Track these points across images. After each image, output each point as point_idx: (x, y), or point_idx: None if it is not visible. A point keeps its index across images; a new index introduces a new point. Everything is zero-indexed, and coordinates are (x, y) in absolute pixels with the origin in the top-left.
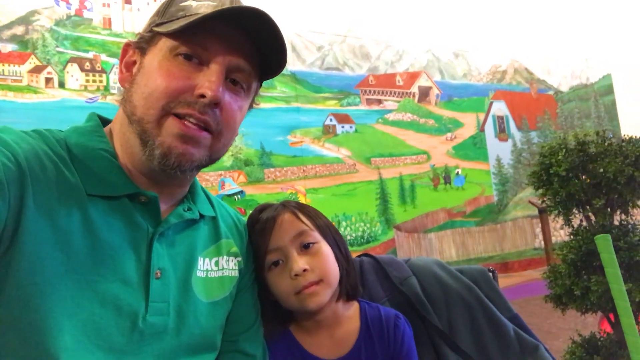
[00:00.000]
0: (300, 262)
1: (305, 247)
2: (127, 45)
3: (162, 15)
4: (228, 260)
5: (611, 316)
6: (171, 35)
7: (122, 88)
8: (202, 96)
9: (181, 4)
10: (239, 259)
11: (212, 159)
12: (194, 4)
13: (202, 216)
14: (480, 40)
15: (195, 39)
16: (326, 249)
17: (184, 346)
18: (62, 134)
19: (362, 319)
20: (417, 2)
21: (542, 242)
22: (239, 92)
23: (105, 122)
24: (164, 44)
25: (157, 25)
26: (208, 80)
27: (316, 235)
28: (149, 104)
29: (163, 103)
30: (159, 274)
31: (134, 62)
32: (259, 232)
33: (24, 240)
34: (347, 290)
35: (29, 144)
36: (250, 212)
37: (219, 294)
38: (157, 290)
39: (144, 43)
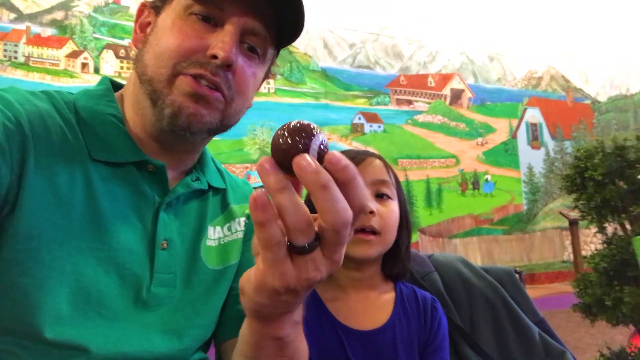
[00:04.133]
0: (371, 203)
1: (380, 197)
2: (143, 6)
3: None
4: (240, 222)
5: None
6: None
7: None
8: (215, 57)
9: None
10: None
11: (223, 124)
12: None
13: (211, 187)
14: (516, 45)
15: None
16: (395, 209)
17: (190, 315)
18: (72, 97)
19: (398, 294)
20: (453, 3)
21: (571, 255)
22: (253, 58)
23: (117, 87)
24: (178, 2)
25: None
26: (221, 41)
27: (393, 192)
28: (160, 62)
29: (174, 62)
30: (165, 245)
31: (149, 23)
32: None
33: (24, 204)
34: (395, 267)
35: (34, 105)
36: None
37: (236, 258)
38: (163, 261)
39: (159, 2)
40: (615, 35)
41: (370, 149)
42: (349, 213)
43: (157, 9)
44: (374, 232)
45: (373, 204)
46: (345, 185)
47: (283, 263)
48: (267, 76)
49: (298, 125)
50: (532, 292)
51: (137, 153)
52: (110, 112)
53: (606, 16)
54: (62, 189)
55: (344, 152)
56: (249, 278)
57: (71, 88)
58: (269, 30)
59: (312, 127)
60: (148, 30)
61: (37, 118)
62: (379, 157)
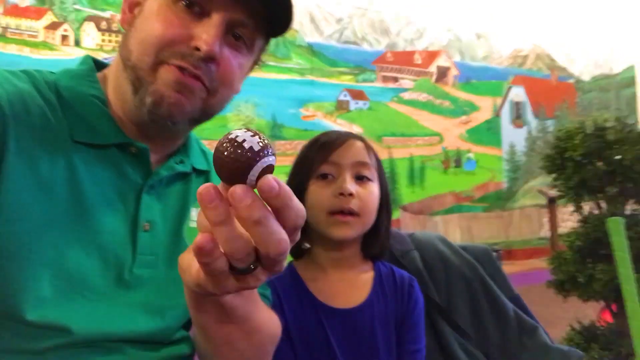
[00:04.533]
0: (351, 185)
1: (359, 179)
2: None
3: None
4: None
5: (614, 306)
6: None
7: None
8: (197, 49)
9: None
10: None
11: (206, 113)
12: None
13: (194, 169)
14: (503, 23)
15: None
16: (375, 191)
17: (173, 295)
18: (53, 77)
19: (376, 273)
20: None
21: (548, 232)
22: (240, 48)
23: (98, 65)
24: None
25: None
26: (206, 33)
27: (374, 174)
28: (143, 50)
29: (157, 50)
30: (147, 227)
31: (138, 3)
32: (322, 144)
33: (5, 186)
34: (374, 247)
35: (14, 85)
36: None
37: None
38: (145, 243)
39: None
40: (600, 15)
41: (355, 127)
42: (284, 242)
43: None
44: (352, 213)
45: (352, 187)
46: (279, 210)
47: (226, 281)
48: (255, 64)
49: (246, 141)
50: (510, 267)
51: (120, 135)
52: (93, 93)
53: None
54: (43, 171)
55: (325, 134)
56: (189, 269)
57: (51, 61)
58: (257, 20)
59: (260, 146)
60: (136, 11)
61: (17, 99)
62: (360, 139)
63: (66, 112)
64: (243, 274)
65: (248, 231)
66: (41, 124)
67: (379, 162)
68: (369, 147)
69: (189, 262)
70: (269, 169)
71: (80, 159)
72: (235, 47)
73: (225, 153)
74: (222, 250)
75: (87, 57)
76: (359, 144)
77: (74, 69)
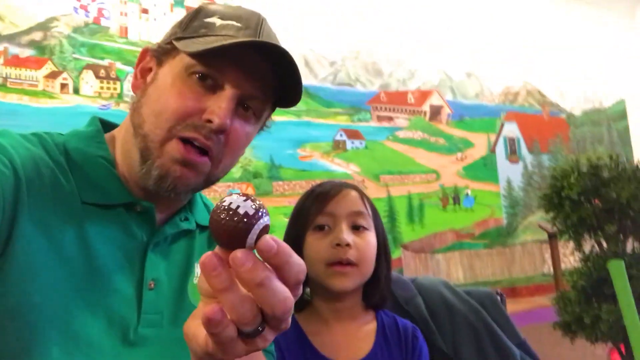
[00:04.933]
0: (347, 236)
1: (356, 228)
2: (145, 51)
3: (185, 29)
4: None
5: (622, 347)
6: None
7: (134, 95)
8: (210, 121)
9: (205, 20)
10: None
11: (209, 182)
12: (218, 22)
13: (198, 225)
14: (493, 61)
15: (213, 60)
16: (372, 240)
17: (177, 354)
18: (62, 138)
19: (379, 323)
20: (431, 22)
21: (551, 268)
22: (249, 118)
23: (106, 125)
24: (181, 60)
25: (178, 39)
26: (218, 107)
27: (370, 223)
28: (157, 123)
29: (170, 125)
30: (152, 285)
31: (150, 69)
32: (317, 195)
33: (16, 248)
34: (375, 296)
35: (27, 149)
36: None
37: None
38: (150, 302)
39: (162, 54)
40: (588, 51)
41: (353, 166)
42: (288, 300)
43: (159, 59)
44: (350, 263)
45: (349, 237)
46: (280, 268)
47: (235, 347)
48: (261, 129)
49: (240, 207)
50: (514, 306)
51: (126, 195)
52: (101, 155)
53: (578, 33)
54: (54, 232)
55: (320, 185)
56: (196, 338)
57: (50, 109)
58: (267, 93)
59: (254, 209)
60: (148, 78)
61: (30, 162)
62: (355, 188)
63: (75, 174)
64: (251, 337)
65: (252, 293)
66: (52, 186)
67: (374, 210)
68: (363, 196)
69: (194, 330)
70: (265, 229)
71: (90, 220)
72: (245, 117)
73: (222, 222)
74: (229, 317)
75: (95, 118)
76: (353, 193)
77: (82, 131)
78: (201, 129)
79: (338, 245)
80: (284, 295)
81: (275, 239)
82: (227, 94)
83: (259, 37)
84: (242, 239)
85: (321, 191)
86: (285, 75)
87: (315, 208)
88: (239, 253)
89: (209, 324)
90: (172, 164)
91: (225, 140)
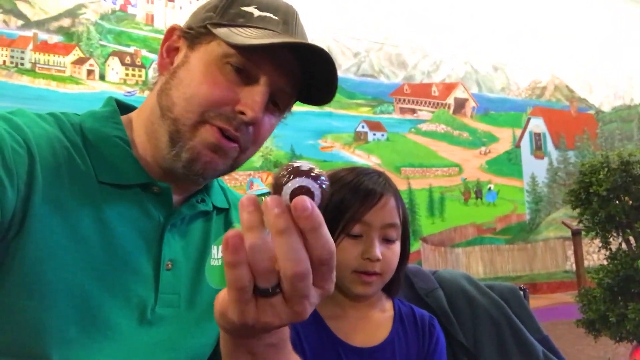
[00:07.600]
0: (378, 251)
1: (386, 240)
2: (172, 30)
3: (221, 15)
4: None
5: None
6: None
7: (159, 75)
8: (242, 113)
9: (242, 9)
10: None
11: (233, 168)
12: (257, 12)
13: (215, 207)
14: (520, 55)
15: (254, 55)
16: (398, 250)
17: (195, 334)
18: (78, 118)
19: (396, 311)
20: (458, 13)
21: (574, 265)
22: (274, 111)
23: (122, 106)
24: (218, 47)
25: (214, 25)
26: (253, 100)
27: (399, 234)
28: (189, 107)
29: (203, 110)
30: (169, 265)
31: (177, 49)
32: (364, 195)
33: (32, 228)
34: (392, 287)
35: (43, 128)
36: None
37: None
38: (168, 282)
39: (195, 37)
40: (618, 46)
41: (374, 157)
42: (303, 265)
43: (191, 42)
44: (375, 273)
45: (379, 251)
46: (307, 233)
47: (246, 304)
48: (283, 118)
49: (297, 164)
50: (535, 302)
51: (143, 175)
52: (117, 135)
53: (609, 27)
54: (70, 211)
55: (364, 174)
56: (218, 299)
57: (76, 94)
58: (295, 88)
59: (306, 169)
60: (177, 60)
61: (45, 141)
62: (394, 193)
63: (91, 154)
64: (264, 295)
65: (274, 241)
66: (67, 166)
67: (405, 216)
68: (399, 202)
69: (220, 295)
70: (310, 193)
71: (106, 200)
72: (272, 110)
73: (284, 167)
74: (248, 258)
75: (110, 98)
76: (392, 202)
77: (98, 111)
78: (232, 120)
79: (368, 258)
80: (299, 256)
81: (313, 204)
82: (262, 89)
83: (294, 33)
84: (280, 187)
85: (366, 191)
86: (317, 73)
87: (351, 209)
88: (271, 198)
89: (226, 245)
90: (203, 148)
91: (253, 132)
